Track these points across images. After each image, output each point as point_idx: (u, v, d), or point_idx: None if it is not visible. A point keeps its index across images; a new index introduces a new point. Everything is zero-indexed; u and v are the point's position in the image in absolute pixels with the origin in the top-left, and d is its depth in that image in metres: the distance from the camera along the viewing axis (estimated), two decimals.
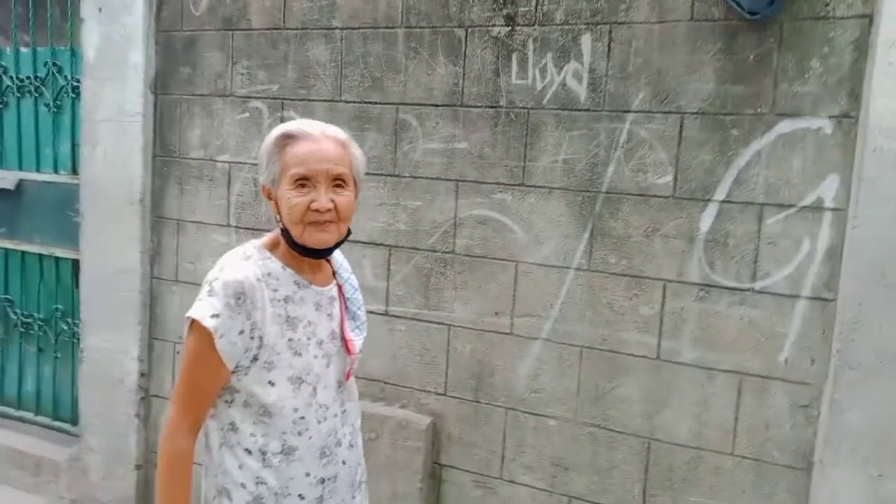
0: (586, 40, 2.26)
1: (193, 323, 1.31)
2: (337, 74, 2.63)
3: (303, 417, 1.37)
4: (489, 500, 2.48)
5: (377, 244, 2.61)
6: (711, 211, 2.14)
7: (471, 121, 2.44)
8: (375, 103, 2.58)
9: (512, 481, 2.47)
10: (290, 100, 2.73)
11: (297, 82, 2.71)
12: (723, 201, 2.12)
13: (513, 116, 2.38)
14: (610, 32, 2.22)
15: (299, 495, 1.39)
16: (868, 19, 1.93)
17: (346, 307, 1.50)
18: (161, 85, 3.01)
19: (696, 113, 2.13)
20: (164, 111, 3.01)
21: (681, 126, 2.15)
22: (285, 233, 1.37)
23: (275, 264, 1.38)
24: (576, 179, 2.31)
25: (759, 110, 2.06)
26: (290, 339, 1.36)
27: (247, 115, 2.83)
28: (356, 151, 1.42)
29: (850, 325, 1.96)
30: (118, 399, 3.15)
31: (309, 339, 1.39)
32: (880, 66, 1.89)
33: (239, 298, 1.29)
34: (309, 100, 2.69)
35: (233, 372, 1.33)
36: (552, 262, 2.37)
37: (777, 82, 2.04)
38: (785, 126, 2.04)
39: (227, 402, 1.37)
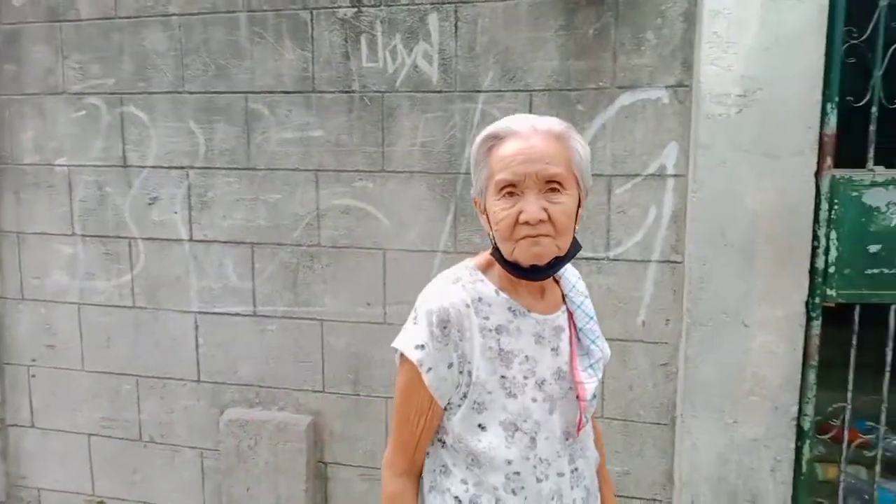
0: (433, 20, 2.21)
1: (401, 357, 1.15)
2: (178, 64, 2.45)
3: (517, 473, 1.14)
4: (377, 492, 2.45)
5: (238, 242, 2.48)
6: None
7: (324, 107, 2.35)
8: (222, 93, 2.42)
9: None
10: (130, 94, 2.52)
11: (136, 74, 2.50)
12: None
13: (367, 101, 2.31)
14: (455, 12, 2.19)
15: None
16: None
17: (578, 339, 1.22)
18: None
19: (544, 90, 2.15)
20: None
21: (530, 103, 2.16)
22: (495, 250, 1.16)
23: (487, 287, 1.16)
24: (435, 162, 2.28)
25: (600, 84, 2.10)
26: (502, 377, 1.15)
27: (83, 112, 2.58)
28: (577, 145, 1.13)
29: (696, 284, 2.06)
30: None
31: (526, 377, 1.16)
32: (707, 35, 1.96)
33: (445, 328, 1.11)
34: (150, 92, 2.49)
35: (444, 409, 1.16)
36: (419, 246, 2.33)
37: (616, 56, 2.08)
38: (626, 98, 2.09)
39: (440, 441, 1.19)
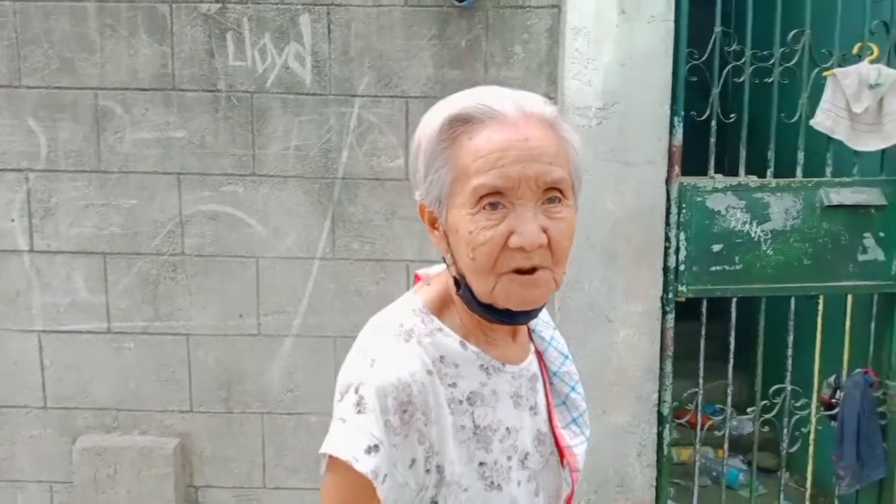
0: (305, 21, 2.36)
1: (334, 462, 0.84)
2: (13, 55, 2.39)
3: None
4: None
5: (88, 253, 2.46)
6: None
7: (187, 106, 2.41)
8: (67, 88, 2.40)
9: (277, 487, 2.54)
10: None
11: None
12: None
13: (235, 101, 2.40)
14: (328, 14, 2.35)
15: None
16: (557, 9, 2.33)
17: (552, 385, 1.01)
18: None
19: (420, 97, 2.37)
20: None
21: (406, 110, 2.38)
22: (463, 286, 0.89)
23: (449, 339, 0.90)
24: (310, 166, 2.42)
25: None
26: (481, 465, 0.89)
27: None
28: (572, 136, 0.88)
29: (567, 284, 2.38)
30: None
31: (510, 457, 0.92)
32: (569, 51, 2.29)
33: (405, 411, 0.83)
34: None
35: None
36: (295, 254, 2.46)
37: (487, 67, 2.36)
38: None
39: None
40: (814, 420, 2.53)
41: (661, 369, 2.43)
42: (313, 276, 2.46)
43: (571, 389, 1.01)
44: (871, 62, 2.33)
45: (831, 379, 2.58)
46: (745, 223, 2.39)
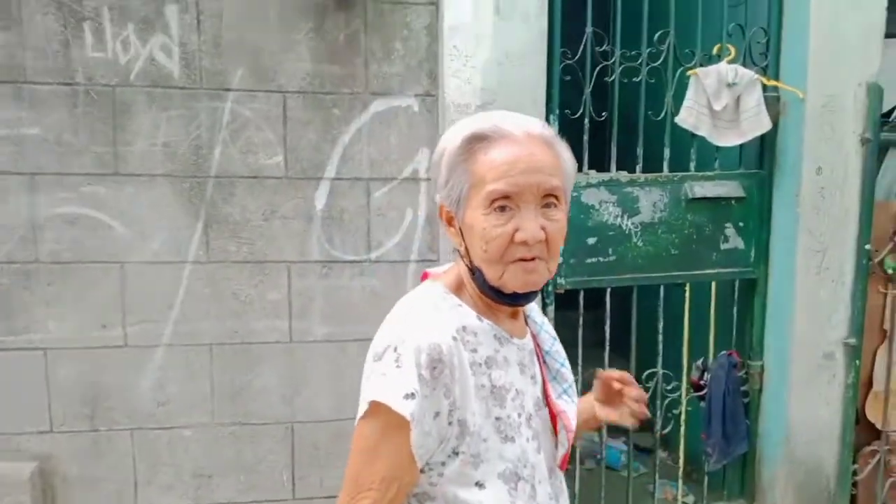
0: (172, 11, 2.28)
1: (375, 407, 1.01)
2: None
3: None
4: None
5: None
6: (324, 189, 2.41)
7: (41, 100, 2.26)
8: None
9: None
10: None
11: None
12: (333, 178, 2.41)
13: (94, 95, 2.29)
14: (197, 4, 2.29)
15: None
16: (435, 6, 2.39)
17: (545, 363, 1.21)
18: None
19: (298, 92, 2.36)
20: None
21: (284, 105, 2.35)
22: (477, 273, 1.09)
23: (468, 314, 1.10)
24: (180, 164, 2.35)
25: (355, 90, 2.38)
26: (497, 419, 1.08)
27: None
28: (566, 154, 1.11)
29: None
30: None
31: (520, 415, 1.11)
32: (448, 48, 2.35)
33: (435, 368, 1.01)
34: None
35: (421, 471, 1.05)
36: (164, 258, 2.37)
37: (367, 63, 2.38)
38: (379, 105, 2.40)
39: None
40: (684, 401, 2.74)
41: None
42: (185, 281, 2.38)
43: (561, 365, 1.22)
44: (729, 62, 2.55)
45: (699, 362, 2.80)
46: (617, 216, 2.55)
